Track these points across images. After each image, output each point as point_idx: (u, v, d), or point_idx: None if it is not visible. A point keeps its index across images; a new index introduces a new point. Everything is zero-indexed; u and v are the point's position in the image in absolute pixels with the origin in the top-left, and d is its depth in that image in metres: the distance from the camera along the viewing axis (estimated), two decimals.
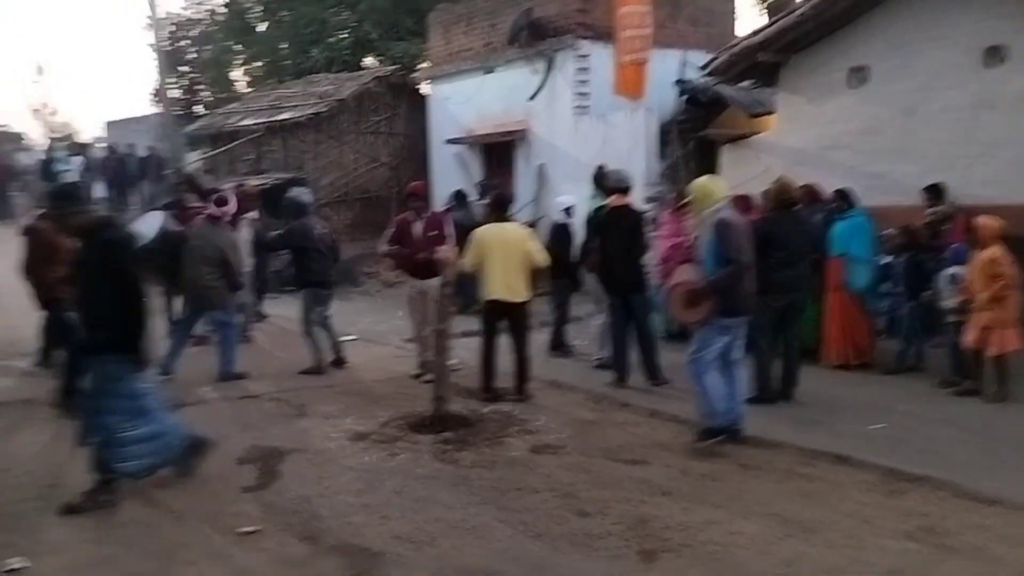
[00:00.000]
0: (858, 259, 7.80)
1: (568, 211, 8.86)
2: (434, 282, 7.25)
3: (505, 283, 6.91)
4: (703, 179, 6.13)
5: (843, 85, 9.61)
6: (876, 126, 9.23)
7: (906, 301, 7.60)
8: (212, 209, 7.89)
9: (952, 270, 7.05)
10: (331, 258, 8.30)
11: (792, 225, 6.78)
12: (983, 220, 6.77)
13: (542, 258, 7.09)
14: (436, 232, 7.65)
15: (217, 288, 7.60)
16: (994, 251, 6.61)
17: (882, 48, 9.20)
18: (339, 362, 8.30)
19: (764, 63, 10.16)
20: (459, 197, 11.93)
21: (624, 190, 7.52)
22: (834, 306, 7.82)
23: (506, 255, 6.89)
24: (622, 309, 7.39)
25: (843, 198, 8.10)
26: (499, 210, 7.26)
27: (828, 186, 8.88)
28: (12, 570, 3.92)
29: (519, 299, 6.96)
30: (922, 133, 8.84)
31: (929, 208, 8.47)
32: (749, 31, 10.61)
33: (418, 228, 7.67)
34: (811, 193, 8.17)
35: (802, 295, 6.97)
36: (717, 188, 5.93)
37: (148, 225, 7.91)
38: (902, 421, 6.19)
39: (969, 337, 6.72)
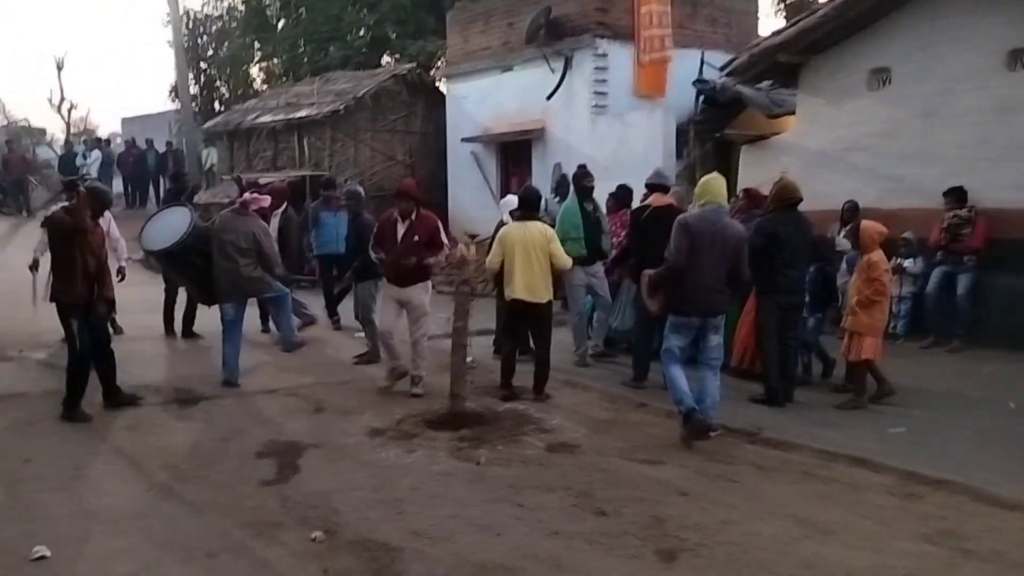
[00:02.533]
0: None
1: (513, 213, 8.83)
2: (414, 290, 7.03)
3: (525, 283, 6.89)
4: (707, 176, 6.17)
5: (863, 87, 9.56)
6: (896, 128, 9.17)
7: (810, 312, 7.38)
8: (247, 197, 7.67)
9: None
10: None
11: (794, 226, 6.70)
12: (865, 224, 6.73)
13: (563, 260, 7.01)
14: (419, 238, 6.93)
15: (256, 278, 7.41)
16: (875, 255, 6.55)
17: (903, 50, 9.15)
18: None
19: (784, 64, 10.14)
20: (561, 184, 11.11)
21: (665, 188, 7.47)
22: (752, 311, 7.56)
23: (527, 255, 6.86)
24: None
25: None
26: (525, 208, 7.19)
27: (846, 188, 8.87)
28: (34, 559, 3.96)
29: (539, 300, 6.93)
30: (943, 136, 8.79)
31: (949, 212, 8.44)
32: (770, 32, 10.59)
33: (400, 231, 6.99)
34: (754, 198, 7.98)
35: (802, 297, 6.93)
36: (709, 188, 5.89)
37: (178, 222, 7.56)
38: (921, 424, 6.17)
39: (843, 346, 6.68)
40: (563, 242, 7.98)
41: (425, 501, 4.74)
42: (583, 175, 8.36)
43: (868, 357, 6.56)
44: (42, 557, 3.97)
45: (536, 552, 4.09)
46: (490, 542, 4.22)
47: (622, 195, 8.98)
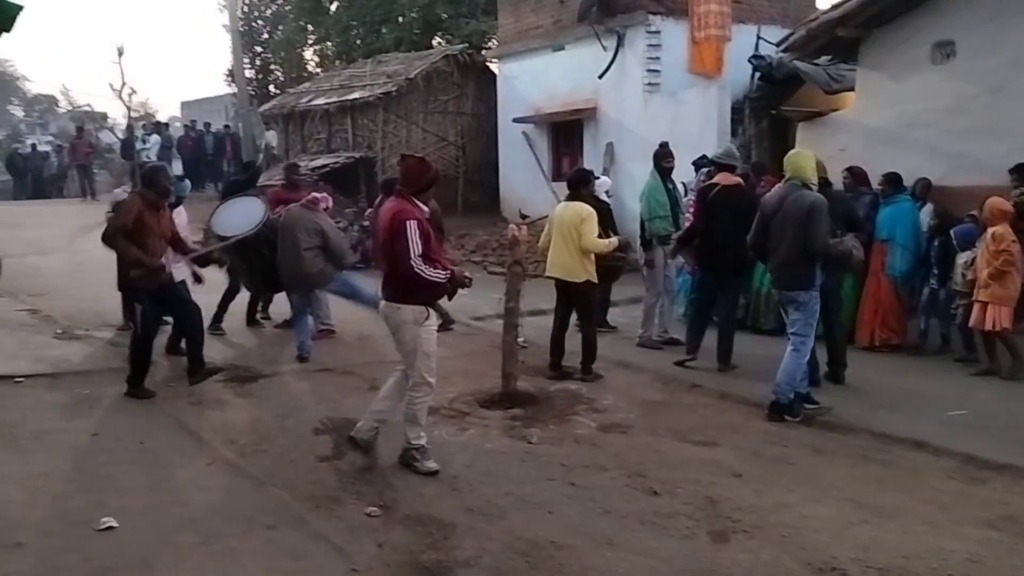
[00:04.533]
0: (901, 244, 7.81)
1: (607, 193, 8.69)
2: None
3: (560, 262, 6.94)
4: (791, 151, 6.24)
5: (926, 61, 9.25)
6: (961, 104, 8.86)
7: (939, 285, 7.62)
8: (310, 196, 7.85)
9: (966, 254, 7.12)
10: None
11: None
12: (992, 200, 6.94)
13: (589, 241, 6.78)
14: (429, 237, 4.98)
15: (317, 271, 7.51)
16: (1000, 228, 6.77)
17: (969, 22, 8.82)
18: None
19: (843, 38, 9.86)
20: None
21: (733, 167, 7.35)
22: (871, 289, 7.89)
23: (562, 235, 6.88)
24: (712, 290, 7.31)
25: (890, 183, 8.00)
26: (571, 187, 7.15)
27: (908, 166, 8.62)
28: (102, 529, 4.11)
29: (574, 279, 6.90)
30: (1011, 111, 8.46)
31: (1016, 189, 8.16)
32: (828, 5, 10.30)
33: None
34: (857, 176, 8.15)
35: (837, 277, 6.81)
36: (790, 163, 6.01)
37: (251, 211, 7.70)
38: (984, 407, 6.02)
39: (973, 317, 6.88)
40: (651, 220, 8.02)
41: (478, 478, 4.80)
42: (663, 154, 8.22)
43: (1006, 326, 6.75)
44: (110, 527, 4.12)
45: (588, 530, 4.12)
46: (543, 520, 4.25)
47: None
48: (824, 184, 6.61)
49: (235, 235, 7.49)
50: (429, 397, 5.07)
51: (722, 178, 7.23)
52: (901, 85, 9.45)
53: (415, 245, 4.72)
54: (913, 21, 9.30)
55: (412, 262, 4.71)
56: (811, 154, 6.13)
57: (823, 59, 10.99)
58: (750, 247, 6.29)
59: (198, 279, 7.48)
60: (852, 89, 10.32)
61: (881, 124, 9.54)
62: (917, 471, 4.88)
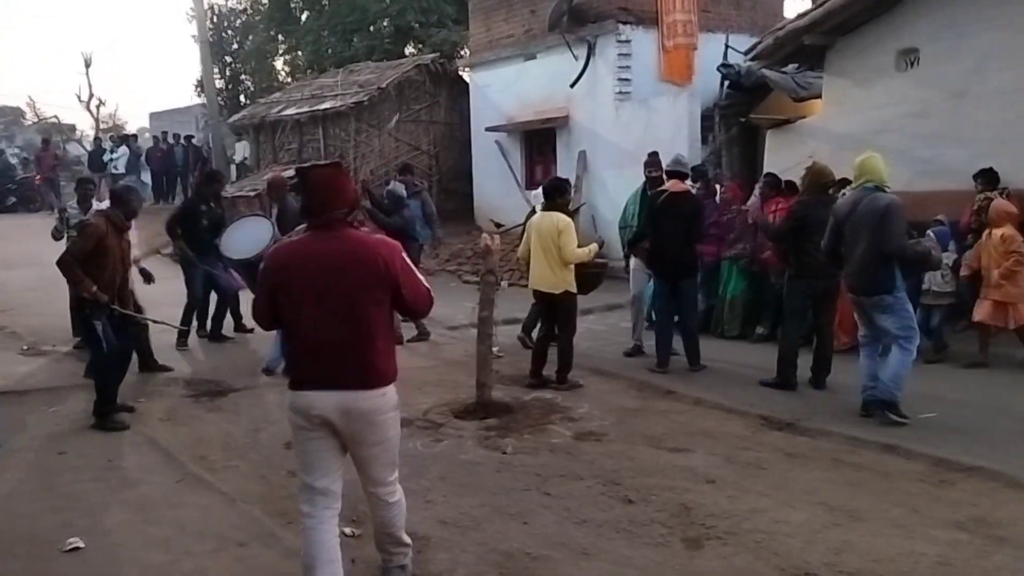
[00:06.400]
0: None
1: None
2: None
3: (540, 273, 6.95)
4: (862, 156, 6.19)
5: (891, 68, 9.40)
6: (925, 109, 9.01)
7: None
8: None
9: (945, 255, 7.30)
10: None
11: (827, 209, 6.52)
12: (998, 202, 7.40)
13: (570, 252, 6.78)
14: None
15: None
16: (1007, 230, 7.15)
17: (932, 30, 8.98)
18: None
19: (810, 46, 10.00)
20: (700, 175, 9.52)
21: (682, 175, 7.50)
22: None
23: (541, 246, 6.88)
24: (669, 295, 7.38)
25: None
26: (547, 197, 7.13)
27: None
28: (67, 551, 4.03)
29: (553, 290, 6.91)
30: (973, 116, 8.62)
31: (980, 194, 8.29)
32: (795, 14, 10.46)
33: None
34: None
35: (836, 281, 6.90)
36: (865, 167, 6.00)
37: (260, 230, 7.61)
38: (953, 410, 6.09)
39: (980, 313, 7.19)
40: (625, 228, 8.28)
41: (453, 490, 4.77)
42: (647, 164, 8.29)
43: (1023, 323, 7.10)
44: (76, 548, 4.04)
45: (564, 540, 4.10)
46: (518, 531, 4.23)
47: (774, 182, 8.80)
48: (827, 188, 6.80)
49: (244, 257, 7.35)
50: None
51: (671, 185, 7.43)
52: (867, 92, 9.59)
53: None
54: (878, 29, 9.46)
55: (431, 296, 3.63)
56: (880, 156, 6.11)
57: (790, 67, 11.12)
58: (824, 252, 6.23)
59: (148, 278, 7.50)
60: (819, 96, 10.46)
61: (848, 130, 9.67)
62: (888, 474, 4.92)
